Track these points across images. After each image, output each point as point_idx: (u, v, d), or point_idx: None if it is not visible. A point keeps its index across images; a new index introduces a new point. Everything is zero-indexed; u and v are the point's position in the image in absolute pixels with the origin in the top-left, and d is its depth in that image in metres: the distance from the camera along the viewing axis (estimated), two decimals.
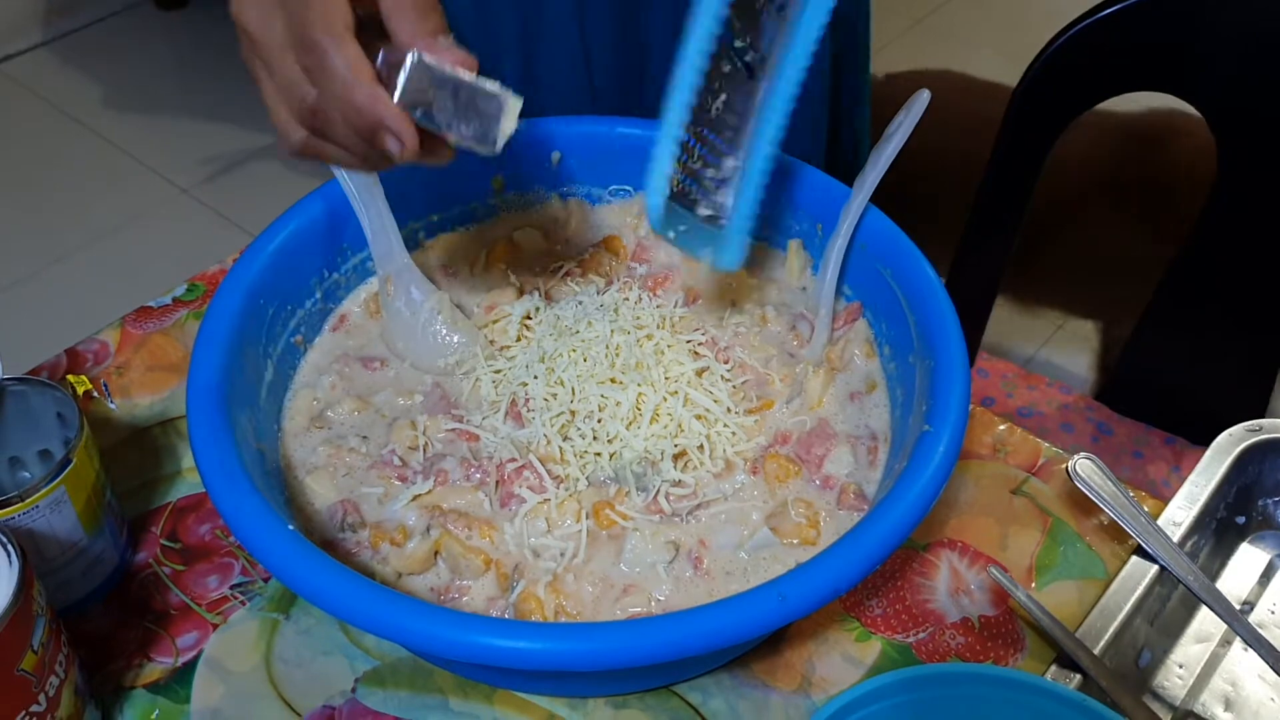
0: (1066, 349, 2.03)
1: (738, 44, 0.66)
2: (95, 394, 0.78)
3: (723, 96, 0.67)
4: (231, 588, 0.68)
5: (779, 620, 0.54)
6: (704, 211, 0.69)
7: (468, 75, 0.55)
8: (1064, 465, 0.74)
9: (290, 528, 0.56)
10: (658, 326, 0.71)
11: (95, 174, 2.43)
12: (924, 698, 0.51)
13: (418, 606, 0.53)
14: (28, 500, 0.61)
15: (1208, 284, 1.07)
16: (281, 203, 0.73)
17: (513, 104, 0.56)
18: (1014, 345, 2.03)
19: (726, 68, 0.66)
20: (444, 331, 0.72)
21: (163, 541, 0.71)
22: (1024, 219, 1.10)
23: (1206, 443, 0.73)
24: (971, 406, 0.77)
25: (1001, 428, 0.77)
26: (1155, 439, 1.14)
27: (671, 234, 0.68)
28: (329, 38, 0.53)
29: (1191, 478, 0.70)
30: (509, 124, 0.56)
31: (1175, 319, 1.10)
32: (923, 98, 0.71)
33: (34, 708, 0.55)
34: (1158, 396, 1.15)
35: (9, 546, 0.55)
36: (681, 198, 0.68)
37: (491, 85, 0.55)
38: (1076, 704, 0.49)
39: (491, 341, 0.73)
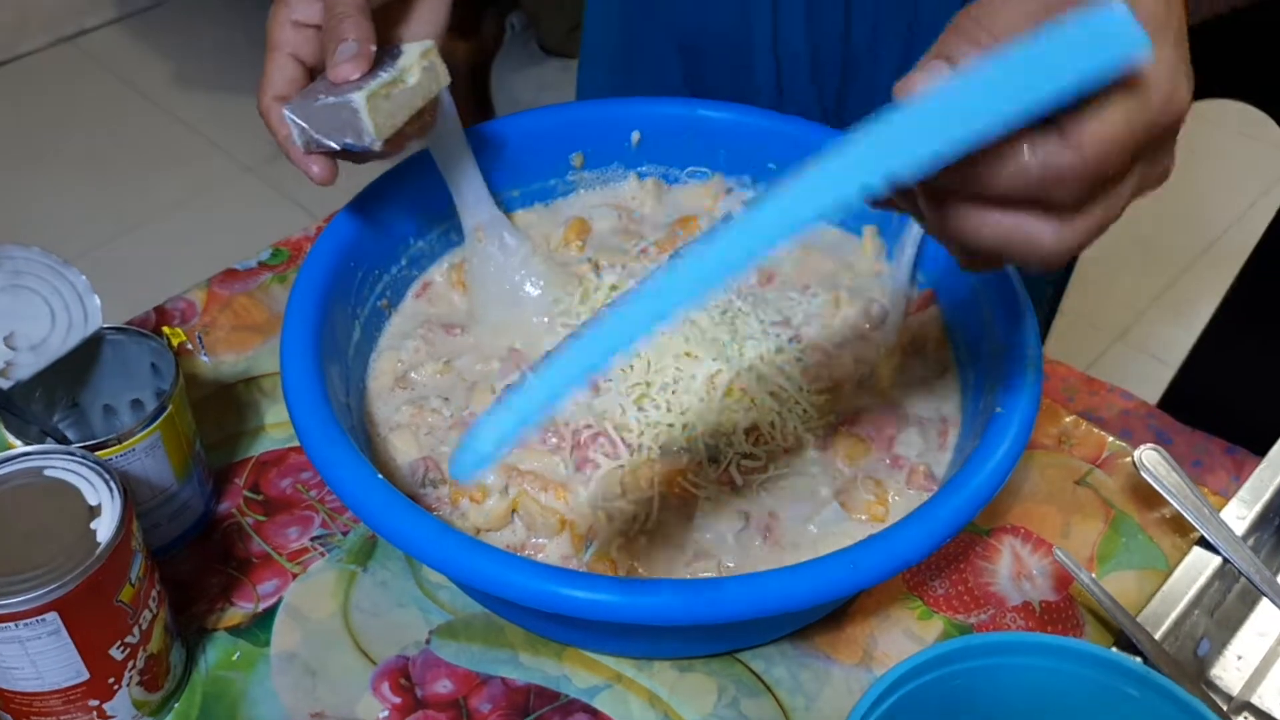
0: (1128, 359, 2.02)
1: None
2: (189, 346, 0.80)
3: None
4: (311, 539, 0.71)
5: (850, 587, 0.55)
6: None
7: (327, 98, 0.61)
8: (1128, 459, 0.75)
9: (379, 476, 0.58)
10: (733, 305, 0.73)
11: (162, 149, 2.48)
12: (986, 666, 0.52)
13: (503, 556, 0.55)
14: (125, 443, 0.64)
15: (1274, 294, 1.07)
16: (343, 184, 0.74)
17: (363, 102, 0.60)
18: (1075, 355, 2.03)
19: None
20: (528, 284, 0.74)
21: (245, 493, 0.73)
22: None
23: (1267, 454, 0.74)
24: None
25: (1067, 420, 0.78)
26: (1216, 448, 1.13)
27: None
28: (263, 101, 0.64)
29: (1257, 473, 0.71)
30: (368, 120, 0.61)
31: (1240, 328, 1.10)
32: None
33: (129, 639, 0.58)
34: (1220, 406, 1.15)
35: (112, 483, 0.57)
36: None
37: (349, 95, 0.60)
38: (1140, 677, 0.50)
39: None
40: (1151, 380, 1.29)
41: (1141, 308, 2.11)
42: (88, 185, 2.36)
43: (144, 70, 2.70)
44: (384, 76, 0.62)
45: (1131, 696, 0.51)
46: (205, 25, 2.84)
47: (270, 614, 0.67)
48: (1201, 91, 1.01)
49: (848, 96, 0.90)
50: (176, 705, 0.63)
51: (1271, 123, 1.02)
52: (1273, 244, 1.04)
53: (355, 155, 0.64)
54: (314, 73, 0.65)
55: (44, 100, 2.62)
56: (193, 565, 0.69)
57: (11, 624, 0.53)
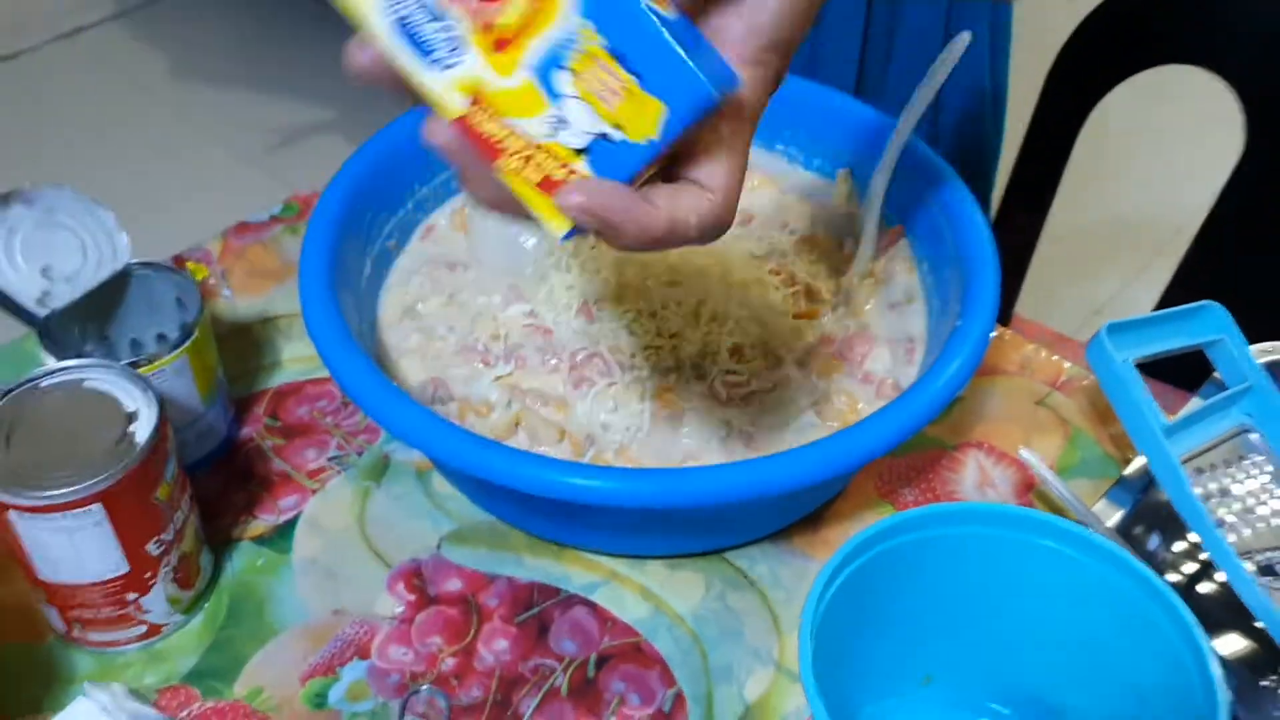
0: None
1: None
2: (212, 282, 0.86)
3: None
4: (328, 459, 0.76)
5: (819, 474, 0.60)
6: None
7: None
8: (1085, 381, 0.81)
9: (395, 385, 0.63)
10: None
11: (161, 143, 2.53)
12: (944, 535, 0.56)
13: (512, 452, 0.60)
14: (155, 364, 0.69)
15: (1232, 254, 1.13)
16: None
17: None
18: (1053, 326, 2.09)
19: None
20: (524, 236, 0.79)
21: (265, 420, 0.79)
22: (1057, 188, 1.16)
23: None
24: (1001, 330, 0.84)
25: (1029, 348, 0.84)
26: (1180, 401, 1.19)
27: None
28: None
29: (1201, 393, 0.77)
30: None
31: (1202, 285, 1.16)
32: (964, 38, 0.78)
33: (164, 535, 0.63)
34: (1183, 359, 1.21)
35: (148, 392, 0.63)
36: None
37: None
38: (1089, 543, 0.55)
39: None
40: None
41: (1126, 279, 2.17)
42: (88, 181, 2.40)
43: (143, 65, 2.75)
44: None
45: (1083, 563, 0.56)
46: (203, 20, 2.90)
47: (291, 525, 0.73)
48: (1160, 57, 1.07)
49: (892, 59, 0.91)
50: (207, 605, 0.69)
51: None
52: (1231, 204, 1.10)
53: None
54: None
55: (43, 97, 2.67)
56: (218, 483, 0.75)
57: (59, 514, 0.59)
